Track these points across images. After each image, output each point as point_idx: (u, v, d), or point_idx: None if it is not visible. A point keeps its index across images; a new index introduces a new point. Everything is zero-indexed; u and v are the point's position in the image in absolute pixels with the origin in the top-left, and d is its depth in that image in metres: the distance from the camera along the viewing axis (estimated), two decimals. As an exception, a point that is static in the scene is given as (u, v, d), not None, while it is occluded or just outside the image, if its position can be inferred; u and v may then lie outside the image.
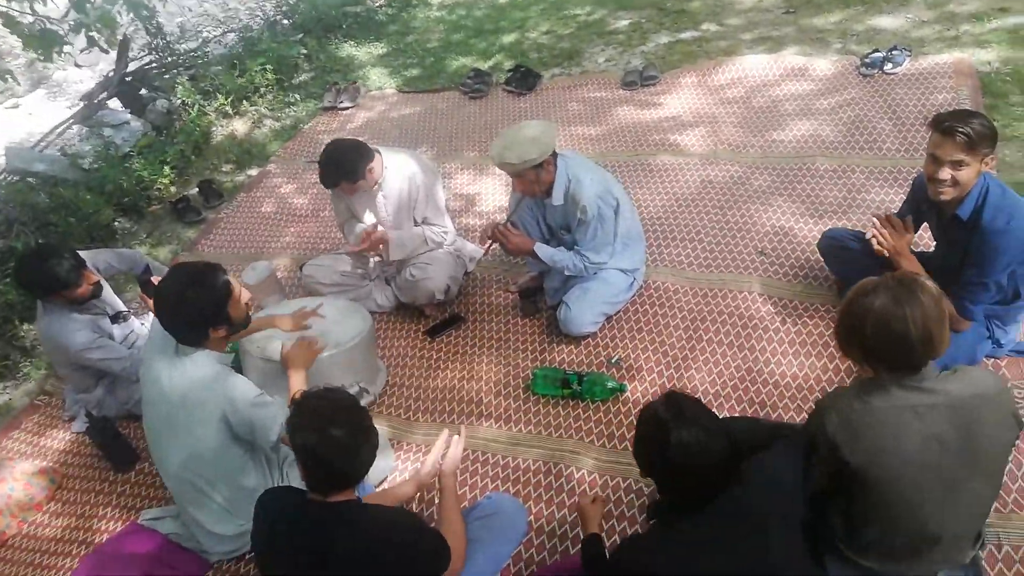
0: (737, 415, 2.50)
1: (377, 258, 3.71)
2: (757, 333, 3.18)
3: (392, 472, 2.95)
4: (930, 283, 1.83)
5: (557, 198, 3.14)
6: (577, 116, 5.01)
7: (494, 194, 4.47)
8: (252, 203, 5.00)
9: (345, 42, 6.77)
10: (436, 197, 3.58)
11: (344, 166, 3.32)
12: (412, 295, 3.63)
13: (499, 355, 3.40)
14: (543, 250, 3.23)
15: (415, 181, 3.49)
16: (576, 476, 2.78)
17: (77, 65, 8.30)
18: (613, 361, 3.20)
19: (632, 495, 2.67)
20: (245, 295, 2.61)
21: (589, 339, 3.34)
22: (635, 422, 1.87)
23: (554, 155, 3.08)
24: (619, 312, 3.42)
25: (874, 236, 2.72)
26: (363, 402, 3.11)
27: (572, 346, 3.33)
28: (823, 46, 5.03)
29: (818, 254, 3.40)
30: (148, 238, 4.91)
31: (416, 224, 3.62)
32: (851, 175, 3.92)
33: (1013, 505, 2.37)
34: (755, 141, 4.34)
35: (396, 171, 3.49)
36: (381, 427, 3.18)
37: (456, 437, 2.40)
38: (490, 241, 3.29)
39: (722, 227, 3.80)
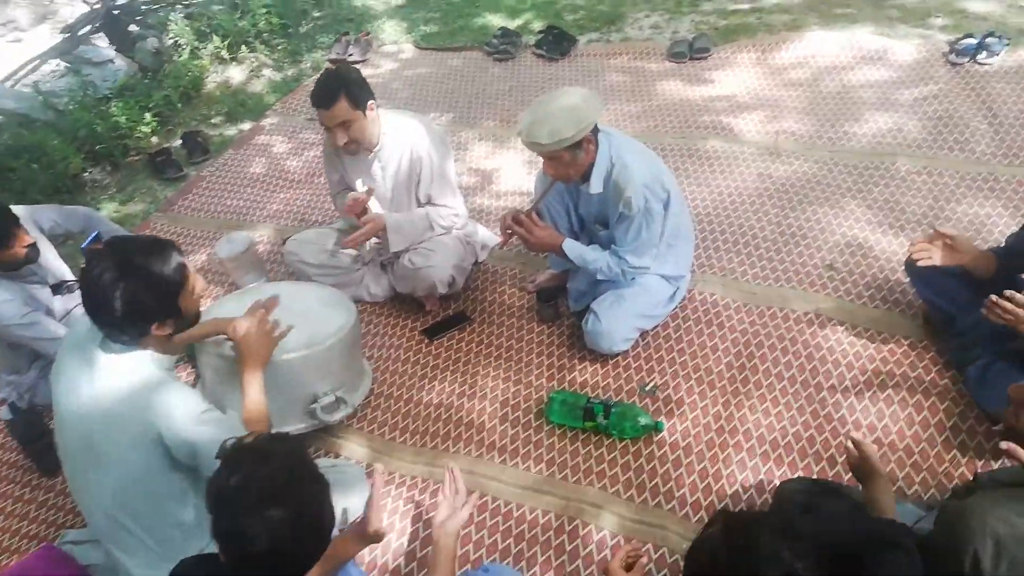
0: (819, 497, 1.91)
1: (376, 241, 3.13)
2: (825, 368, 2.60)
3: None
4: None
5: (596, 185, 2.55)
6: (616, 89, 4.39)
7: (516, 172, 3.86)
8: (241, 162, 4.41)
9: (361, -11, 6.13)
10: (446, 172, 2.98)
11: (350, 82, 2.72)
12: (410, 285, 3.05)
13: (508, 368, 2.82)
14: (572, 247, 2.64)
15: (420, 151, 2.89)
16: (595, 537, 2.22)
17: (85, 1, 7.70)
18: (647, 389, 2.63)
19: (665, 570, 2.11)
20: (200, 285, 2.05)
21: (619, 358, 2.76)
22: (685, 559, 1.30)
23: (595, 132, 2.49)
24: (656, 327, 2.84)
25: (994, 306, 2.10)
26: (336, 416, 2.57)
27: (598, 365, 2.76)
28: (903, 28, 4.38)
29: (901, 274, 2.83)
30: (120, 193, 4.34)
31: (420, 204, 3.03)
32: (938, 180, 3.31)
33: None
34: (824, 133, 3.72)
35: (397, 137, 2.90)
36: (359, 448, 2.62)
37: (469, 493, 1.87)
38: (509, 232, 2.70)
39: (783, 232, 3.20)
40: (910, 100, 3.80)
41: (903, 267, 2.80)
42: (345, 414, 2.61)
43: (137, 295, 1.84)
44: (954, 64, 3.95)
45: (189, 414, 1.89)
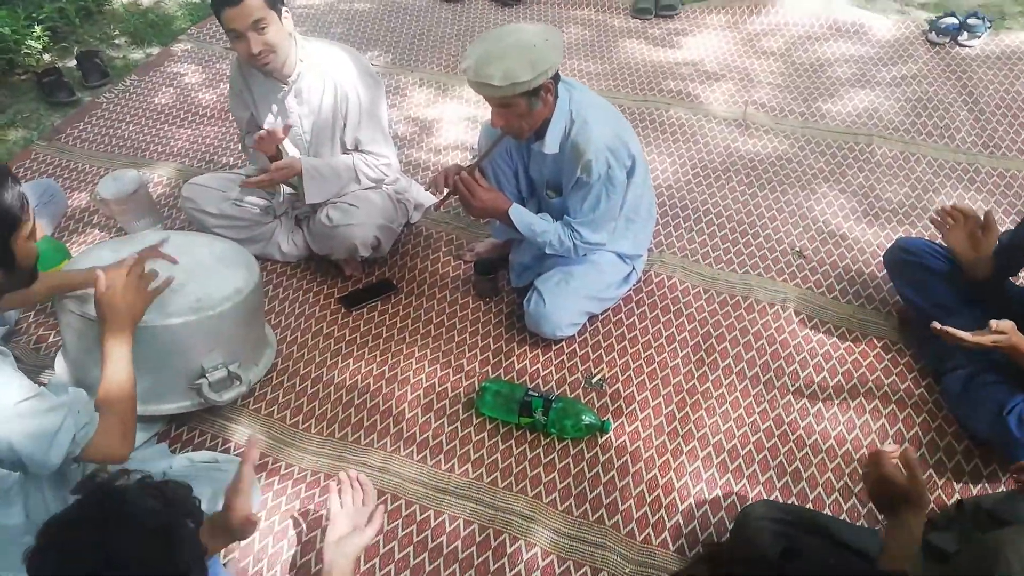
0: (794, 530, 1.60)
1: (289, 190, 2.69)
2: (792, 368, 2.32)
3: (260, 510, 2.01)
4: None
5: (551, 144, 2.17)
6: (574, 44, 3.99)
7: (458, 125, 3.45)
8: (144, 90, 3.85)
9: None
10: (377, 114, 2.55)
11: None
12: (327, 245, 2.62)
13: (437, 349, 2.45)
14: (520, 215, 2.27)
15: (346, 87, 2.45)
16: (525, 556, 1.88)
17: None
18: (594, 382, 2.29)
19: (605, 600, 1.80)
20: (39, 230, 1.60)
21: (563, 345, 2.42)
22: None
23: (555, 80, 2.10)
24: (607, 312, 2.51)
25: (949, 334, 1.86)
26: (227, 396, 2.15)
27: (539, 351, 2.41)
28: (880, 2, 4.11)
29: (876, 267, 2.58)
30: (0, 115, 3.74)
31: (345, 151, 2.60)
32: (917, 167, 3.05)
33: None
34: (796, 108, 3.42)
35: (319, 68, 2.45)
36: (257, 435, 2.22)
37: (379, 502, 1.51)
38: (447, 191, 2.30)
39: (749, 213, 2.89)
40: (887, 80, 3.53)
41: (879, 259, 2.56)
42: (238, 393, 2.19)
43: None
44: (934, 44, 3.71)
45: (4, 401, 1.45)
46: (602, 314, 2.49)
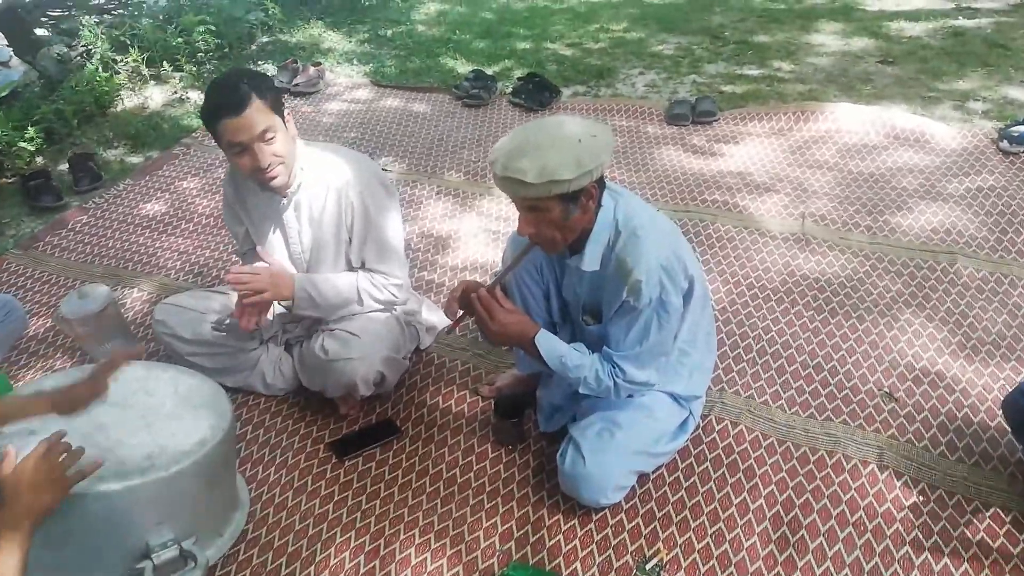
0: None
1: (282, 308, 2.28)
2: (902, 551, 1.80)
3: None
4: None
5: (591, 259, 1.76)
6: (605, 149, 3.66)
7: (478, 239, 3.07)
8: (136, 196, 3.53)
9: (319, 19, 5.41)
10: (385, 229, 2.15)
11: (258, 78, 1.92)
12: (320, 381, 2.18)
13: (447, 516, 1.95)
14: (548, 344, 1.82)
15: (351, 195, 2.07)
16: None
17: None
18: (648, 568, 1.78)
19: None
20: None
21: (606, 513, 1.92)
22: None
23: (600, 184, 1.71)
24: (660, 469, 2.02)
25: None
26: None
27: (577, 520, 1.91)
28: (939, 110, 3.79)
29: (984, 414, 2.12)
30: (-25, 220, 3.42)
31: (351, 268, 2.20)
32: (1012, 291, 2.61)
33: None
34: (861, 221, 3.02)
35: (320, 176, 2.08)
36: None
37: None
38: (461, 312, 1.87)
39: (822, 343, 2.44)
40: (961, 192, 3.14)
41: (987, 404, 2.11)
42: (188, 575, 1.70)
43: None
44: (1007, 153, 3.34)
45: None
46: (655, 472, 2.00)
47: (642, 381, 1.83)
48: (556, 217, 1.66)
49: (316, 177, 2.08)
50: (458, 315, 1.89)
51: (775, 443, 2.09)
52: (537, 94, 4.09)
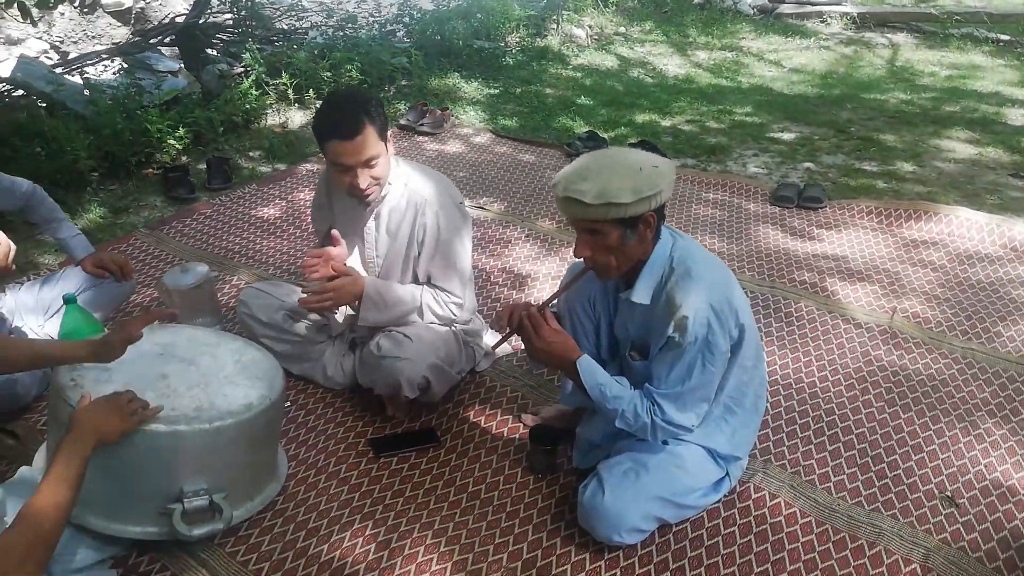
0: None
1: (350, 312, 2.42)
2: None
3: None
4: None
5: (642, 292, 1.78)
6: (703, 220, 3.67)
7: (556, 283, 3.13)
8: (258, 199, 3.85)
9: (456, 71, 5.76)
10: (454, 248, 2.25)
11: (371, 104, 2.04)
12: (371, 376, 2.27)
13: (462, 525, 1.97)
14: (589, 369, 1.83)
15: (427, 215, 2.20)
16: None
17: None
18: (649, 615, 1.73)
19: None
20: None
21: (620, 554, 1.88)
22: None
23: (660, 216, 1.74)
24: (685, 523, 1.96)
25: None
26: (197, 532, 1.76)
27: (588, 555, 1.87)
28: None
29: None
30: (121, 200, 3.80)
31: (417, 280, 2.32)
32: (1116, 421, 2.39)
33: None
34: (959, 324, 2.86)
35: (404, 189, 2.23)
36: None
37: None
38: (508, 330, 1.92)
39: (888, 435, 2.31)
40: (1079, 312, 2.93)
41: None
42: (212, 531, 1.79)
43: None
44: None
45: None
46: (678, 525, 1.94)
47: (680, 424, 1.81)
48: (613, 242, 1.70)
49: (400, 192, 2.22)
50: (505, 333, 1.95)
51: (813, 523, 1.99)
52: (645, 160, 4.15)
